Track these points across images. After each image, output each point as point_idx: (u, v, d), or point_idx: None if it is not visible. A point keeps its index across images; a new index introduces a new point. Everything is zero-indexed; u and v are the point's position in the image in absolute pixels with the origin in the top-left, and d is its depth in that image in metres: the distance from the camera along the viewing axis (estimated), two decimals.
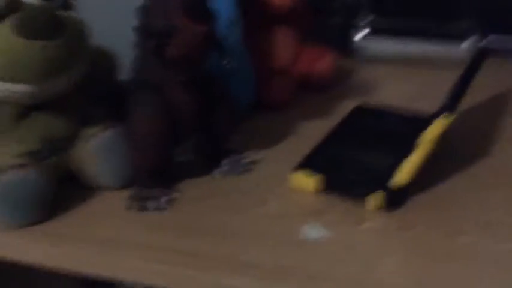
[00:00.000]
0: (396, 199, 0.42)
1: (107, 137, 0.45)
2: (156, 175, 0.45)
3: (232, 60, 0.44)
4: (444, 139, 0.44)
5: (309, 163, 0.46)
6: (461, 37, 0.68)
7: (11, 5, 0.38)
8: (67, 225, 0.43)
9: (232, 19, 0.54)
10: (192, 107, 0.42)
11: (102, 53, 0.47)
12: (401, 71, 0.70)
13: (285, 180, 0.46)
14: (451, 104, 0.43)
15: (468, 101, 0.48)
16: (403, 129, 0.49)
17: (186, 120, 0.43)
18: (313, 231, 0.40)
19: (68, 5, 0.42)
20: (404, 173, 0.41)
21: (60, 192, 0.45)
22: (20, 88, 0.39)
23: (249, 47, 0.57)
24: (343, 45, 0.73)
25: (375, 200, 0.41)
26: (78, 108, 0.46)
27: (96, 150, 0.44)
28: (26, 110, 0.43)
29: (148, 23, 0.40)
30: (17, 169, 0.41)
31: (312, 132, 0.55)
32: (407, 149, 0.43)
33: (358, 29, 0.73)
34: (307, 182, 0.45)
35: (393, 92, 0.65)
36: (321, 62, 0.63)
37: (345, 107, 0.57)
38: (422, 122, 0.45)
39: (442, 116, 0.42)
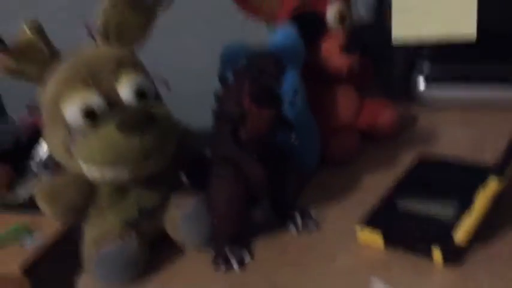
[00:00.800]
0: (457, 255, 0.44)
1: (192, 204, 0.52)
2: (234, 237, 0.51)
3: (299, 135, 0.49)
4: (503, 193, 0.46)
5: (374, 219, 0.50)
6: None
7: (112, 107, 0.46)
8: (161, 281, 0.50)
9: (297, 88, 0.60)
10: (263, 177, 0.48)
11: (187, 132, 0.55)
12: (464, 118, 0.72)
13: (353, 235, 0.50)
14: (501, 168, 0.45)
15: None
16: (463, 180, 0.52)
17: (259, 188, 0.49)
18: (380, 286, 0.44)
19: (159, 100, 0.50)
20: (463, 231, 0.44)
21: (154, 252, 0.52)
22: (123, 172, 0.47)
23: (313, 108, 0.63)
24: (405, 94, 0.76)
25: (437, 256, 0.44)
26: (168, 180, 0.53)
27: (181, 217, 0.51)
28: (125, 186, 0.50)
29: (223, 110, 0.47)
30: (119, 239, 0.49)
31: (376, 184, 0.59)
32: (468, 201, 0.45)
33: (419, 77, 0.76)
34: (373, 238, 0.49)
35: (456, 139, 0.68)
36: (383, 115, 0.67)
37: (408, 157, 0.61)
38: (482, 173, 0.47)
39: (493, 178, 0.45)
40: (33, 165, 0.91)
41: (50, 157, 0.93)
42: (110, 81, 0.47)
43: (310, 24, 0.63)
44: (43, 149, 0.92)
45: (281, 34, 0.60)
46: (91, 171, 0.47)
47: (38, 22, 0.47)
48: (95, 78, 0.47)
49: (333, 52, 0.63)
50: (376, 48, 0.82)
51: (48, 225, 0.78)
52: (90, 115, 0.45)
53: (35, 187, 0.51)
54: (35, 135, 0.78)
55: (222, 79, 0.49)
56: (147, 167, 0.48)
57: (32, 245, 0.74)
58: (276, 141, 0.49)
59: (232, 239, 0.50)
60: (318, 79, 0.65)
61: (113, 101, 0.47)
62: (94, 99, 0.46)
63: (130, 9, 0.48)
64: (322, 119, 0.64)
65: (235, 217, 0.49)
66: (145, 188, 0.51)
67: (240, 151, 0.47)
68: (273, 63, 0.43)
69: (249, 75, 0.44)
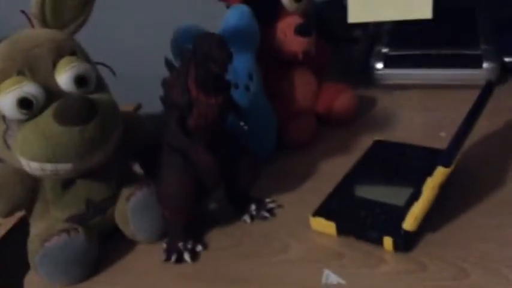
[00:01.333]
0: (408, 242, 0.44)
1: (142, 195, 0.50)
2: (187, 228, 0.49)
3: (254, 120, 0.47)
4: (451, 176, 0.46)
5: (327, 207, 0.50)
6: (480, 61, 0.69)
7: (50, 96, 0.43)
8: (104, 280, 0.48)
9: (251, 71, 0.58)
10: (213, 166, 0.47)
11: (133, 119, 0.52)
12: (423, 99, 0.72)
13: (307, 224, 0.50)
14: (448, 157, 0.45)
15: (479, 130, 0.50)
16: (418, 165, 0.52)
17: (211, 177, 0.47)
18: (333, 277, 0.43)
19: (102, 87, 0.48)
20: (412, 218, 0.44)
21: (103, 246, 0.50)
22: (63, 167, 0.44)
23: (268, 91, 0.61)
24: (363, 74, 0.76)
25: (388, 243, 0.44)
26: (116, 171, 0.51)
27: (130, 209, 0.49)
28: (70, 179, 0.48)
29: (170, 96, 0.45)
30: (65, 233, 0.46)
31: (334, 170, 0.58)
32: (419, 188, 0.45)
33: (378, 57, 0.75)
34: (326, 226, 0.48)
35: (414, 122, 0.67)
36: (341, 98, 0.66)
37: (367, 142, 0.60)
38: (436, 158, 0.46)
39: (440, 168, 0.44)
40: None
41: None
42: (47, 68, 0.44)
43: (264, 4, 0.61)
44: None
45: (234, 14, 0.58)
46: (30, 166, 0.44)
47: None
48: (31, 66, 0.44)
49: (287, 34, 0.61)
50: (334, 29, 0.81)
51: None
52: (26, 106, 0.42)
53: None
54: None
55: (168, 64, 0.47)
56: (91, 160, 0.45)
57: None
58: (225, 128, 0.47)
59: (184, 230, 0.49)
60: (274, 62, 0.63)
61: (51, 90, 0.44)
62: (30, 89, 0.43)
63: None
64: (279, 103, 0.62)
65: (186, 208, 0.47)
66: (92, 180, 0.49)
67: (188, 140, 0.45)
68: (219, 47, 0.40)
69: (194, 60, 0.42)
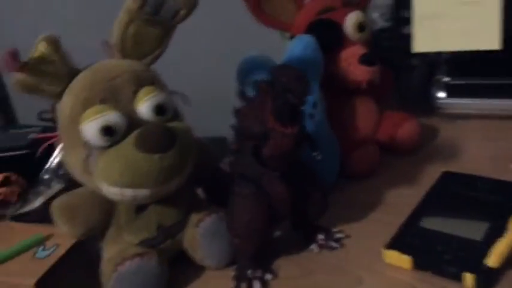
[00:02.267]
0: (489, 280, 0.43)
1: (211, 222, 0.50)
2: (256, 257, 0.49)
3: (322, 151, 0.48)
4: None
5: (401, 240, 0.49)
6: None
7: (130, 124, 0.45)
8: None
9: (316, 100, 0.58)
10: (286, 196, 0.47)
11: (204, 147, 0.53)
12: (486, 128, 0.70)
13: (378, 255, 0.49)
14: None
15: None
16: (492, 198, 0.50)
17: (282, 207, 0.48)
18: None
19: (178, 115, 0.49)
20: (496, 254, 0.42)
21: (172, 271, 0.51)
22: (141, 193, 0.45)
23: (331, 120, 0.61)
24: (425, 104, 0.75)
25: (467, 280, 0.43)
26: (186, 196, 0.52)
27: (200, 235, 0.50)
28: (143, 204, 0.49)
29: (244, 126, 0.46)
30: (138, 257, 0.47)
31: (398, 200, 0.58)
32: (499, 222, 0.44)
33: (439, 85, 0.74)
34: (401, 259, 0.47)
35: (480, 152, 0.66)
36: (404, 128, 0.65)
37: (432, 171, 0.59)
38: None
39: None
40: (45, 174, 0.90)
41: (61, 166, 0.92)
42: (128, 98, 0.46)
43: (327, 34, 0.62)
44: (55, 158, 0.91)
45: (300, 44, 0.58)
46: (110, 191, 0.45)
47: (55, 37, 0.45)
48: (113, 95, 0.45)
49: (352, 63, 0.62)
50: (392, 57, 0.81)
51: (61, 236, 0.76)
52: (108, 133, 0.44)
53: (53, 202, 0.49)
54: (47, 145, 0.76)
55: (242, 94, 0.48)
56: (168, 187, 0.46)
57: (45, 257, 0.73)
58: (298, 159, 0.47)
59: (254, 258, 0.49)
60: (336, 91, 0.63)
61: (131, 118, 0.45)
62: (112, 117, 0.44)
63: (148, 23, 0.47)
64: (341, 132, 0.62)
65: (257, 237, 0.48)
66: (164, 205, 0.50)
67: (262, 169, 0.45)
68: (298, 80, 0.41)
69: (273, 91, 0.42)
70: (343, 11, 0.62)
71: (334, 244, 0.52)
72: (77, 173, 0.48)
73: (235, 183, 0.48)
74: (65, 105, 0.46)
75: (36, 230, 0.77)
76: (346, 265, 0.50)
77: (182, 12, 0.47)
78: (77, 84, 0.46)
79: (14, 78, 0.44)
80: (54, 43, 0.45)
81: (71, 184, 0.88)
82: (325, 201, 0.50)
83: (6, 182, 0.84)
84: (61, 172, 0.90)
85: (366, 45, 0.63)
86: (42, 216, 0.81)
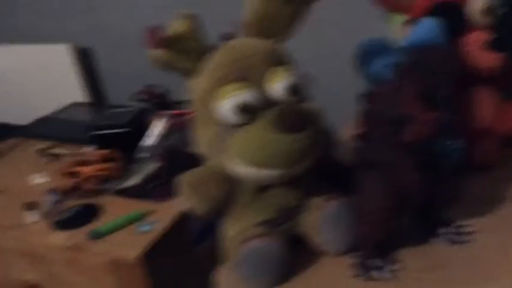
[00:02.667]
0: None
1: (333, 208, 0.49)
2: (380, 246, 0.48)
3: (458, 140, 0.45)
4: None
5: None
6: None
7: (264, 103, 0.45)
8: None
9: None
10: (419, 185, 0.45)
11: (328, 132, 0.52)
12: None
13: (508, 251, 0.46)
14: None
15: None
16: None
17: (414, 196, 0.46)
18: None
19: (306, 97, 0.48)
20: None
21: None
22: (273, 173, 0.45)
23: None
24: None
25: None
26: (308, 181, 0.51)
27: (322, 219, 0.49)
28: (266, 185, 0.49)
29: (381, 111, 0.44)
30: (260, 238, 0.47)
31: None
32: None
33: None
34: None
35: None
36: None
37: None
38: None
39: None
40: (143, 152, 0.93)
41: (159, 145, 0.94)
42: (262, 77, 0.46)
43: (452, 18, 0.59)
44: (152, 137, 0.94)
45: (424, 27, 0.56)
46: (242, 170, 0.45)
47: (192, 14, 0.46)
48: (248, 74, 0.45)
49: (475, 48, 0.58)
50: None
51: (160, 213, 0.79)
52: (244, 111, 0.44)
53: (182, 177, 0.50)
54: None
55: (374, 76, 0.46)
56: (298, 168, 0.46)
57: (146, 231, 0.75)
58: (434, 147, 0.45)
59: (378, 247, 0.48)
60: (464, 79, 0.60)
61: (265, 98, 0.45)
62: (249, 96, 0.44)
63: (283, 1, 0.46)
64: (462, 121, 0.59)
65: (386, 225, 0.46)
66: (286, 188, 0.50)
67: (398, 156, 0.44)
68: (446, 61, 0.39)
69: (417, 75, 0.41)
70: None
71: (461, 238, 0.50)
72: (206, 150, 0.48)
73: (365, 169, 0.47)
74: (200, 83, 0.46)
75: (137, 206, 0.80)
76: (473, 260, 0.47)
77: None
78: (213, 62, 0.46)
79: (152, 54, 0.45)
80: (192, 20, 0.45)
81: (168, 163, 0.91)
82: (455, 192, 0.48)
83: (108, 158, 0.87)
84: (157, 151, 0.93)
85: (489, 30, 0.60)
86: (141, 192, 0.84)
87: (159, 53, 0.45)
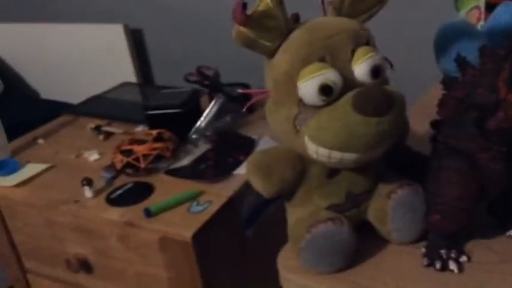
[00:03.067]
0: None
1: (404, 194, 0.48)
2: (452, 236, 0.46)
3: None
4: None
5: None
6: None
7: (346, 85, 0.43)
8: (363, 276, 0.47)
9: None
10: (502, 175, 0.43)
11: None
12: None
13: None
14: None
15: None
16: None
17: (495, 186, 0.44)
18: None
19: (388, 80, 0.46)
20: None
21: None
22: (350, 157, 0.44)
23: None
24: None
25: None
26: (376, 166, 0.49)
27: (393, 206, 0.48)
28: (336, 169, 0.48)
29: (471, 94, 0.42)
30: (331, 222, 0.46)
31: None
32: None
33: None
34: None
35: None
36: None
37: None
38: None
39: None
40: (194, 134, 0.93)
41: (209, 128, 0.94)
42: (346, 57, 0.44)
43: None
44: (204, 119, 0.94)
45: (508, 10, 0.53)
46: (318, 152, 0.44)
47: None
48: (332, 54, 0.44)
49: None
50: None
51: (213, 194, 0.79)
52: (326, 92, 0.43)
53: (249, 159, 0.49)
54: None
55: (463, 61, 0.44)
56: (376, 153, 0.44)
57: (199, 211, 0.75)
58: None
59: (450, 237, 0.46)
60: None
61: (347, 79, 0.44)
62: (332, 76, 0.43)
63: None
64: None
65: (462, 216, 0.44)
66: (355, 172, 0.48)
67: (483, 143, 0.42)
68: None
69: (504, 60, 0.39)
70: None
71: None
72: (280, 129, 0.47)
73: (445, 155, 0.45)
74: (282, 62, 0.45)
75: (188, 186, 0.80)
76: None
77: None
78: (295, 41, 0.45)
79: (236, 31, 0.43)
80: None
81: (218, 145, 0.90)
82: None
83: (161, 138, 0.87)
84: (208, 133, 0.93)
85: None
86: (191, 173, 0.84)
87: (244, 30, 0.43)
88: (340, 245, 0.47)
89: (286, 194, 0.50)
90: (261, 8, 0.43)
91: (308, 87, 0.43)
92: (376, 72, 0.44)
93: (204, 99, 1.01)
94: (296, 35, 0.45)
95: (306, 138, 0.44)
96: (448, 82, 0.45)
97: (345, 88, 0.43)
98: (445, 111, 0.45)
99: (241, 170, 0.83)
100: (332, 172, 0.48)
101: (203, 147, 0.91)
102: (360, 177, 0.49)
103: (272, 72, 0.46)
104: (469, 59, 0.44)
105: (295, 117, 0.45)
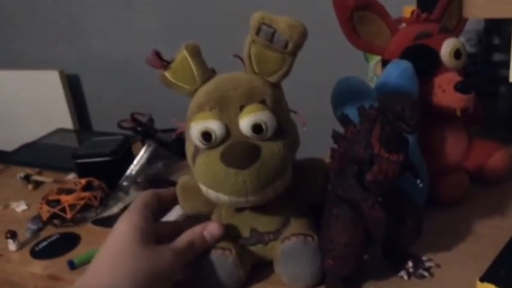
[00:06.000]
0: None
1: (294, 243, 0.51)
2: (348, 280, 0.49)
3: (423, 179, 0.48)
4: None
5: (496, 273, 0.48)
6: None
7: (229, 135, 0.49)
8: None
9: None
10: (384, 222, 0.47)
11: (309, 169, 0.55)
12: None
13: (470, 287, 0.48)
14: None
15: None
16: None
17: (378, 232, 0.48)
18: None
19: (282, 133, 0.51)
20: None
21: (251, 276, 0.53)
22: (224, 198, 0.49)
23: (421, 147, 0.60)
24: (508, 131, 0.73)
25: None
26: (287, 211, 0.54)
27: (283, 252, 0.51)
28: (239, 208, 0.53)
29: (348, 150, 0.46)
30: (220, 250, 0.51)
31: (489, 231, 0.57)
32: None
33: None
34: None
35: None
36: (496, 157, 0.64)
37: None
38: None
39: None
40: (124, 181, 0.94)
41: (140, 174, 0.95)
42: (234, 111, 0.49)
43: (424, 60, 0.62)
44: (134, 166, 0.95)
45: (396, 69, 0.58)
46: (201, 187, 0.51)
47: (197, 46, 0.51)
48: (222, 106, 0.49)
49: (447, 90, 0.61)
50: (478, 83, 0.79)
51: None
52: (206, 138, 0.49)
53: (179, 179, 0.56)
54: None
55: (344, 118, 0.49)
56: (246, 201, 0.49)
57: None
58: (398, 185, 0.47)
59: (345, 281, 0.49)
60: (427, 117, 0.63)
61: (231, 130, 0.49)
62: (213, 125, 0.48)
63: (266, 47, 0.49)
64: (430, 159, 0.61)
65: (352, 260, 0.48)
66: (259, 212, 0.53)
67: (363, 193, 0.46)
68: (412, 109, 0.41)
69: (382, 118, 0.43)
70: (440, 37, 0.61)
71: (424, 273, 0.51)
72: (189, 162, 0.53)
73: (334, 204, 0.48)
74: (191, 104, 0.52)
75: None
76: None
77: (290, 44, 0.49)
78: (202, 88, 0.51)
79: (159, 74, 0.52)
80: (194, 50, 0.51)
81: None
82: (419, 229, 0.50)
83: (90, 187, 0.88)
84: (139, 180, 0.94)
85: (460, 72, 0.63)
86: None
87: (164, 73, 0.52)
88: (224, 273, 0.51)
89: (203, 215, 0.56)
90: (178, 58, 0.51)
91: (194, 130, 0.49)
92: (256, 128, 0.48)
93: (137, 145, 1.03)
94: (206, 84, 0.51)
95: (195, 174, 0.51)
96: (335, 137, 0.49)
97: (231, 138, 0.49)
98: (332, 163, 0.49)
99: (170, 217, 0.84)
100: (236, 210, 0.53)
101: (134, 195, 0.92)
102: (264, 218, 0.53)
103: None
104: (352, 114, 0.49)
105: (194, 155, 0.51)
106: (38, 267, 0.76)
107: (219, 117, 0.49)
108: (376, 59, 0.78)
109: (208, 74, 0.52)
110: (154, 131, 1.05)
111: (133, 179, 0.94)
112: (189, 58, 0.50)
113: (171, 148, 0.99)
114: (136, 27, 1.24)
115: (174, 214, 0.67)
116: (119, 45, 1.27)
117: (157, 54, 0.51)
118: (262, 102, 0.49)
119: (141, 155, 0.97)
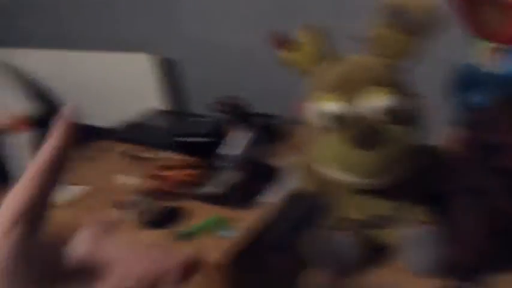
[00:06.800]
0: None
1: (417, 232, 0.51)
2: (473, 270, 0.49)
3: None
4: None
5: None
6: None
7: (355, 117, 0.49)
8: None
9: None
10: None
11: (433, 153, 0.55)
12: None
13: None
14: None
15: None
16: None
17: (506, 222, 0.46)
18: None
19: (410, 120, 0.50)
20: None
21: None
22: (348, 178, 0.51)
23: None
24: None
25: None
26: (408, 197, 0.54)
27: (405, 239, 0.52)
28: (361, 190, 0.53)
29: (480, 137, 0.45)
30: (342, 232, 0.53)
31: None
32: None
33: None
34: None
35: None
36: None
37: None
38: None
39: None
40: (224, 161, 0.96)
41: (239, 155, 0.97)
42: (360, 93, 0.49)
43: None
44: (234, 147, 0.98)
45: None
46: (320, 168, 0.52)
47: (317, 26, 0.53)
48: (348, 88, 0.50)
49: None
50: None
51: (242, 220, 0.82)
52: (331, 120, 0.50)
53: (294, 158, 0.59)
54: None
55: (469, 103, 0.48)
56: (371, 183, 0.50)
57: (228, 237, 0.78)
58: None
59: (470, 271, 0.49)
60: None
61: (355, 112, 0.49)
62: (339, 107, 0.49)
63: (400, 31, 0.49)
64: None
65: (480, 252, 0.47)
66: (379, 197, 0.53)
67: (493, 182, 0.45)
68: None
69: None
70: None
71: None
72: (306, 141, 0.54)
73: (462, 194, 0.48)
74: (312, 84, 0.53)
75: (217, 212, 0.84)
76: None
77: (418, 25, 0.48)
78: (324, 70, 0.52)
79: (279, 54, 0.55)
80: (314, 31, 0.52)
81: (245, 173, 0.94)
82: None
83: (190, 165, 0.92)
84: (236, 161, 0.97)
85: None
86: (221, 199, 0.88)
87: (284, 53, 0.54)
88: (342, 253, 0.52)
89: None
90: (302, 39, 0.53)
91: (319, 111, 0.51)
92: (385, 111, 0.49)
93: (231, 128, 1.05)
94: (331, 66, 0.52)
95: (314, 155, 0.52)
96: (464, 123, 0.48)
97: (359, 120, 0.49)
98: (461, 152, 0.48)
99: (267, 198, 0.86)
100: (357, 191, 0.54)
101: (235, 175, 0.94)
102: (384, 202, 0.54)
103: (307, 91, 0.53)
104: (485, 104, 0.47)
105: (314, 135, 0.53)
106: (147, 236, 0.80)
107: (345, 99, 0.49)
108: (483, 47, 0.74)
109: (327, 54, 0.53)
110: (249, 115, 1.07)
111: (233, 160, 0.97)
112: (310, 38, 0.52)
113: (266, 132, 1.01)
114: (233, 11, 1.26)
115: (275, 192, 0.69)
116: (215, 28, 1.30)
117: (280, 36, 0.54)
118: (390, 86, 0.49)
119: (239, 138, 0.99)
